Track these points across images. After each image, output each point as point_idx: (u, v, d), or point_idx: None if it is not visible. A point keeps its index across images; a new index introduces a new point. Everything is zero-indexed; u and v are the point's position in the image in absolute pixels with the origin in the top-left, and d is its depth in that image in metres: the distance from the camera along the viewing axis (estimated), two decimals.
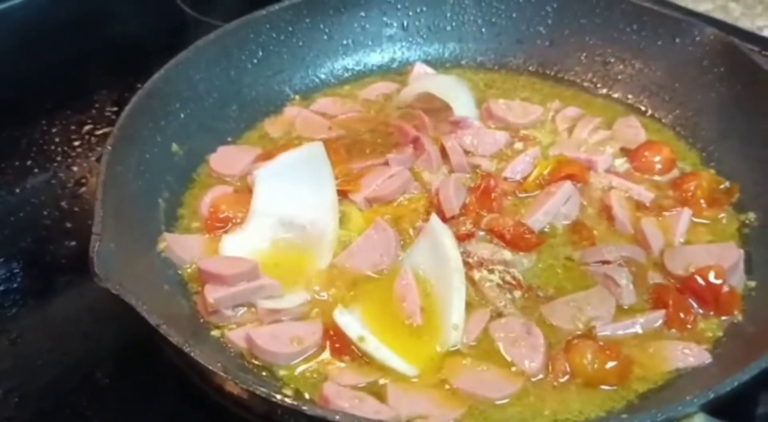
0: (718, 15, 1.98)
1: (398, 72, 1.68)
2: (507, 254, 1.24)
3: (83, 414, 1.14)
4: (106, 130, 1.64)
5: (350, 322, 1.12)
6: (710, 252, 1.24)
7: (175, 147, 1.40)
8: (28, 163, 1.58)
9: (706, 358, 1.11)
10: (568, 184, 1.33)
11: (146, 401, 1.16)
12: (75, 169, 1.56)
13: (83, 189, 1.51)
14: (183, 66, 1.44)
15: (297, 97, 1.61)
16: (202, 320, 1.17)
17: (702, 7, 2.01)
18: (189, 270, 1.24)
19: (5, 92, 1.73)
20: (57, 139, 1.63)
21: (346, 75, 1.67)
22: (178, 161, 1.40)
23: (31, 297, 1.32)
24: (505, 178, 1.39)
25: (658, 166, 1.41)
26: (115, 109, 1.69)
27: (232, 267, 1.17)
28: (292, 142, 1.49)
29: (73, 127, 1.66)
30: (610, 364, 1.09)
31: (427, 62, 1.67)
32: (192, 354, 0.94)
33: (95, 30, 1.85)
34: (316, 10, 1.61)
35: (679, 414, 0.93)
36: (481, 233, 1.28)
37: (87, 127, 1.66)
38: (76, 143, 1.62)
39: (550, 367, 1.10)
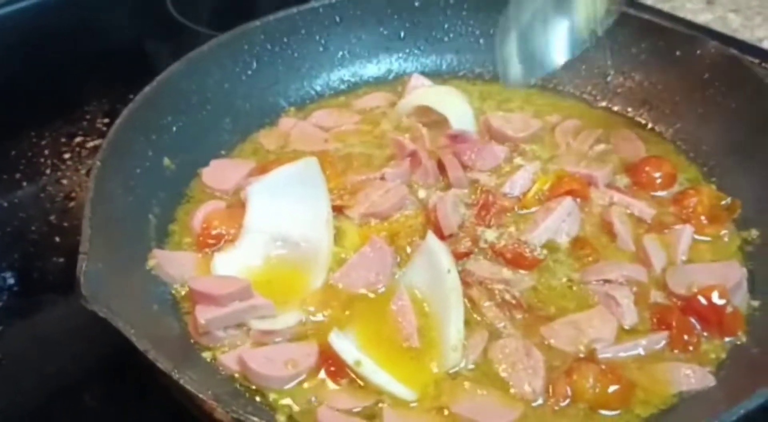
0: (717, 26, 1.96)
1: (395, 83, 1.65)
2: (507, 273, 1.21)
3: None
4: (96, 142, 1.61)
5: (346, 346, 1.09)
6: (713, 270, 1.21)
7: (166, 161, 1.37)
8: (17, 175, 1.55)
9: (710, 381, 1.09)
10: (568, 200, 1.30)
11: None
12: (65, 182, 1.53)
13: (73, 203, 1.48)
14: (175, 78, 1.41)
15: (292, 108, 1.58)
16: (192, 341, 1.14)
17: (701, 18, 2.00)
18: (180, 289, 1.21)
19: None
20: (46, 152, 1.60)
21: (341, 87, 1.64)
22: (170, 176, 1.37)
23: (17, 316, 1.28)
24: (504, 194, 1.36)
25: (659, 181, 1.39)
26: (107, 120, 1.66)
27: (224, 287, 1.14)
28: (287, 155, 1.46)
29: (63, 139, 1.63)
30: (613, 388, 1.06)
31: (424, 74, 1.64)
32: (181, 381, 0.91)
33: (87, 39, 1.82)
34: (312, 20, 1.58)
35: None
36: (480, 251, 1.25)
37: (77, 139, 1.63)
38: (66, 156, 1.59)
39: (550, 391, 1.08)
